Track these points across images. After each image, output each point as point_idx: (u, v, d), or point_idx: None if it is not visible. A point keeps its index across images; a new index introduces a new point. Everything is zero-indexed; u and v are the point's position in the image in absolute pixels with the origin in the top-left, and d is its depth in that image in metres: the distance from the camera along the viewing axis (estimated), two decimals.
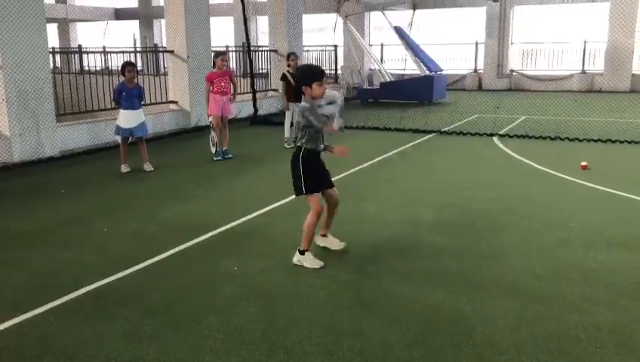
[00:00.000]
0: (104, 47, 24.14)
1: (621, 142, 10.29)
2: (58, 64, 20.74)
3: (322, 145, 4.77)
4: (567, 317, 3.84)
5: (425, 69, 18.35)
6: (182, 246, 5.24)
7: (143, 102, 8.69)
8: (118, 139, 8.64)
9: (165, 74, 14.01)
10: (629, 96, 18.73)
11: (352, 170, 8.27)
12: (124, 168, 8.49)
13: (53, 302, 4.12)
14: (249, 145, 10.90)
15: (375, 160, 9.06)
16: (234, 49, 19.92)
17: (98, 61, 19.20)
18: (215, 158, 9.29)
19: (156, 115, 11.96)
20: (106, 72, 15.04)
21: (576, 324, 3.73)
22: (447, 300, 4.10)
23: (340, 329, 3.69)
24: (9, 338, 3.66)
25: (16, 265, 4.93)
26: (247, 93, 14.51)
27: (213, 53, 9.66)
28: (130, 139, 8.59)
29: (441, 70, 19.03)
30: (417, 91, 17.71)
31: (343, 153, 4.78)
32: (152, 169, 8.52)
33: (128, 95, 8.35)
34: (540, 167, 8.48)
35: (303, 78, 4.68)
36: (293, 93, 10.77)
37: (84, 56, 20.89)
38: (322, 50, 20.31)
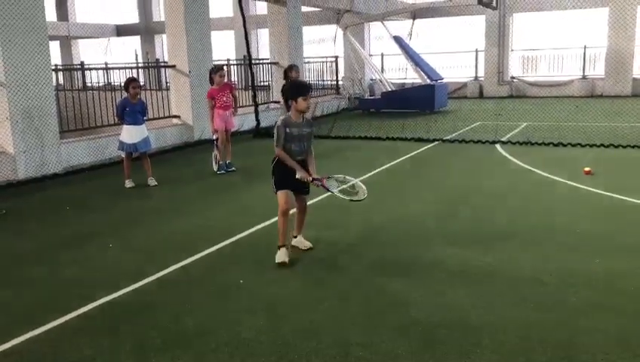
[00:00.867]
0: (106, 64, 24.29)
1: (624, 146, 10.29)
2: (61, 81, 20.87)
3: (299, 158, 5.12)
4: (576, 323, 3.83)
5: (426, 77, 18.40)
6: (188, 260, 5.25)
7: (145, 117, 8.73)
8: (122, 154, 8.67)
9: (167, 88, 14.09)
10: (630, 101, 18.75)
11: (354, 181, 8.25)
12: (129, 183, 8.52)
13: (61, 318, 4.12)
14: (252, 158, 10.92)
15: (378, 170, 9.07)
16: (235, 62, 20.01)
17: (100, 77, 19.32)
18: (218, 172, 9.30)
19: (159, 130, 12.01)
20: (109, 87, 15.14)
21: (585, 331, 3.72)
22: (454, 309, 4.09)
23: (348, 341, 3.69)
24: (20, 354, 3.66)
25: (24, 282, 4.94)
26: (249, 105, 14.58)
27: (211, 69, 9.61)
28: (133, 154, 8.63)
29: (442, 78, 19.08)
30: (419, 100, 17.75)
31: (303, 177, 5.05)
32: (156, 183, 8.55)
33: (132, 110, 8.40)
34: (543, 173, 8.48)
35: (289, 92, 5.14)
36: None
37: (87, 72, 21.03)
38: (323, 62, 20.40)
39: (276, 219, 6.44)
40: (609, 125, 12.89)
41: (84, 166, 10.08)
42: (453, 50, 23.86)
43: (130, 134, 8.45)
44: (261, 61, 18.28)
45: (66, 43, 29.78)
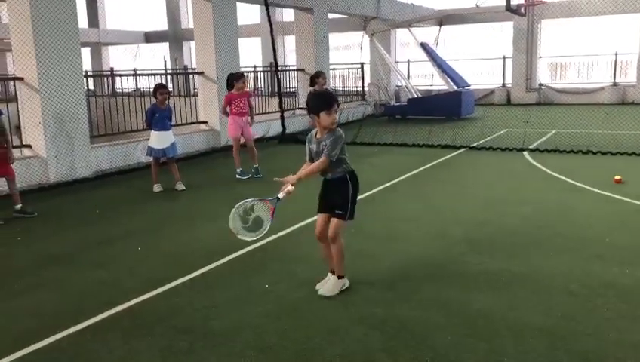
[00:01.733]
0: (135, 70, 24.70)
1: None
2: (91, 87, 21.29)
3: (329, 174, 4.55)
4: (605, 335, 3.77)
5: (452, 84, 18.30)
6: (214, 264, 5.30)
7: (172, 123, 8.86)
8: (151, 159, 8.81)
9: (195, 95, 14.27)
10: None
11: (381, 187, 8.27)
12: (157, 188, 8.65)
13: (90, 319, 4.21)
14: (278, 164, 10.98)
15: (404, 176, 9.04)
16: (262, 69, 20.18)
17: (130, 83, 19.66)
18: (237, 177, 9.37)
19: (187, 135, 12.17)
20: (137, 93, 15.38)
21: (614, 342, 3.66)
22: (480, 317, 4.06)
23: (373, 347, 3.69)
24: (49, 356, 3.75)
25: (53, 284, 5.05)
26: (275, 112, 14.67)
27: (232, 75, 9.70)
28: (161, 159, 8.76)
29: (469, 85, 18.95)
30: (445, 107, 17.66)
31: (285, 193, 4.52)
32: (184, 188, 8.66)
33: (160, 116, 8.54)
34: (572, 181, 8.36)
35: (311, 106, 4.38)
36: None
37: (116, 78, 21.41)
38: (349, 68, 20.44)
39: (301, 224, 6.51)
40: None
41: (113, 170, 10.26)
42: (481, 57, 23.70)
43: (159, 139, 8.59)
44: (287, 68, 18.41)
45: (97, 49, 30.37)
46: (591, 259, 5.17)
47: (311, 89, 10.57)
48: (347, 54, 24.19)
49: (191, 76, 18.79)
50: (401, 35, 24.76)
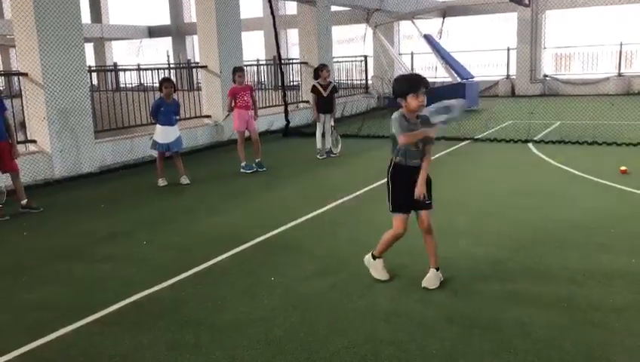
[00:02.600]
0: (138, 65, 24.69)
1: None
2: (95, 82, 21.30)
3: (418, 161, 4.33)
4: (612, 324, 3.76)
5: (456, 76, 18.24)
6: (220, 258, 5.31)
7: (177, 117, 8.85)
8: (155, 153, 8.82)
9: (199, 89, 14.26)
10: None
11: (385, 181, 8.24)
12: (162, 182, 8.66)
13: (97, 313, 4.22)
14: (282, 157, 10.99)
15: None
16: (265, 62, 20.15)
17: (133, 78, 19.66)
18: (242, 170, 9.39)
19: (191, 130, 12.17)
20: (141, 88, 15.39)
21: (621, 331, 3.65)
22: (485, 309, 4.06)
23: (379, 338, 3.69)
24: (57, 349, 3.77)
25: (60, 278, 5.07)
26: (279, 105, 14.66)
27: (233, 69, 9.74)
28: (166, 153, 8.77)
29: (473, 77, 18.88)
30: (449, 99, 17.53)
31: (429, 136, 4.32)
32: (189, 182, 8.67)
33: (166, 110, 8.53)
34: (578, 172, 8.34)
35: (397, 90, 4.35)
36: (323, 104, 10.87)
37: (120, 73, 21.41)
38: (352, 61, 20.39)
39: (306, 217, 6.51)
40: None
41: (117, 165, 10.28)
42: (485, 49, 23.59)
43: (164, 134, 8.59)
44: (291, 61, 18.36)
45: (100, 44, 30.37)
46: (597, 249, 5.16)
47: (314, 82, 10.59)
48: (350, 47, 24.12)
49: (194, 70, 18.80)
50: (404, 27, 24.68)
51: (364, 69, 20.63)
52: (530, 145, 10.79)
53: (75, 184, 9.15)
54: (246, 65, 12.86)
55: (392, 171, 4.43)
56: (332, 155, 10.52)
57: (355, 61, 20.52)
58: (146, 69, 16.88)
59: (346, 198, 7.15)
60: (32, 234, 6.47)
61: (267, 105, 14.92)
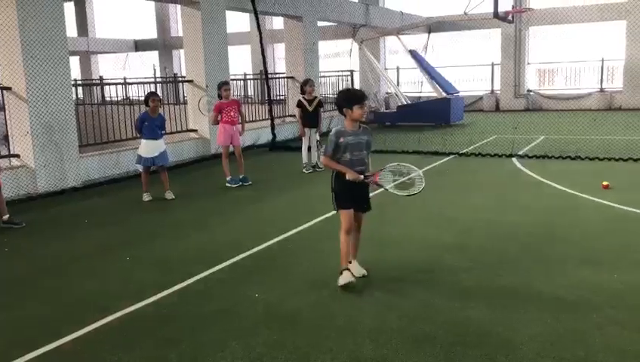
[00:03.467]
0: (124, 78, 24.62)
1: None
2: (80, 95, 21.18)
3: (360, 169, 4.88)
4: (593, 340, 3.78)
5: (441, 91, 18.40)
6: (204, 274, 5.28)
7: (163, 132, 8.82)
8: (140, 168, 8.77)
9: (185, 103, 14.24)
10: None
11: (371, 194, 8.25)
12: (146, 197, 8.61)
13: (79, 331, 4.17)
14: (268, 172, 10.98)
15: (393, 183, 9.03)
16: (252, 76, 20.18)
17: (119, 92, 19.59)
18: (227, 185, 9.36)
19: (177, 144, 12.14)
20: (127, 102, 15.33)
21: (603, 348, 3.68)
22: (470, 325, 4.06)
23: (363, 356, 3.68)
24: None
25: (42, 295, 5.00)
26: (265, 119, 14.67)
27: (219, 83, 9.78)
28: (151, 168, 8.72)
29: (458, 92, 19.06)
30: (434, 113, 17.75)
31: (354, 179, 4.84)
32: (174, 197, 8.62)
33: (151, 125, 8.50)
34: (561, 187, 8.41)
35: (344, 101, 4.87)
36: (308, 119, 10.92)
37: (106, 87, 21.33)
38: (339, 76, 20.50)
39: (292, 232, 6.51)
40: (627, 138, 12.76)
41: (102, 179, 10.20)
42: (469, 64, 23.84)
43: (148, 148, 8.55)
44: (277, 75, 18.42)
45: (86, 58, 30.27)
46: (580, 265, 5.20)
47: (301, 96, 10.64)
48: (337, 62, 24.26)
49: (180, 84, 18.79)
50: (390, 42, 24.89)
51: (350, 83, 20.73)
52: (514, 159, 10.88)
53: (59, 199, 9.06)
54: (233, 80, 12.87)
55: (335, 175, 4.94)
56: (318, 170, 10.53)
57: (342, 76, 20.63)
58: (132, 83, 16.84)
59: (332, 213, 7.13)
60: (14, 251, 6.39)
61: (254, 119, 14.94)
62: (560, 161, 10.60)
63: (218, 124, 9.49)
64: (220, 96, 9.49)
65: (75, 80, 24.02)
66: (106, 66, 32.10)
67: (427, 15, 23.92)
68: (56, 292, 5.04)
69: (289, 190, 9.14)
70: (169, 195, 8.64)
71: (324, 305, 4.52)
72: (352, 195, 4.90)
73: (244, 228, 6.94)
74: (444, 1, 22.70)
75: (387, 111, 19.63)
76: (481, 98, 23.43)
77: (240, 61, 25.99)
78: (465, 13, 18.20)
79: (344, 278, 4.78)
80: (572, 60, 22.61)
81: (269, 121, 14.29)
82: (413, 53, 19.56)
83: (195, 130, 13.03)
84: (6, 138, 9.55)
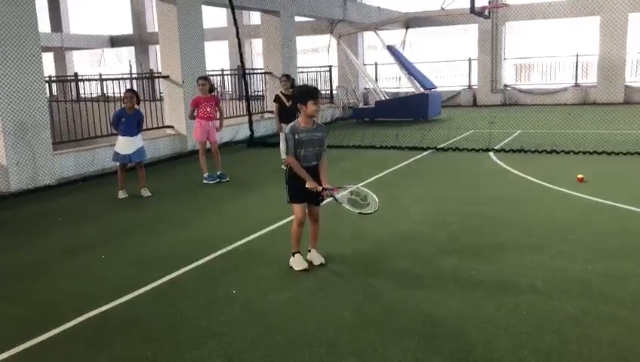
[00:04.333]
0: (100, 75, 24.27)
1: (616, 153, 10.33)
2: (55, 92, 20.83)
3: (312, 164, 5.03)
4: (569, 331, 3.82)
5: (419, 86, 18.47)
6: (180, 271, 5.22)
7: (140, 128, 8.70)
8: (117, 164, 8.65)
9: (161, 99, 14.09)
10: (622, 108, 18.87)
11: (350, 189, 8.26)
12: (122, 194, 8.50)
13: (53, 330, 4.09)
14: (246, 168, 10.93)
15: (372, 178, 9.07)
16: (229, 72, 20.05)
17: (94, 88, 19.32)
18: (204, 181, 9.28)
19: (153, 140, 12.00)
20: (102, 99, 15.12)
21: (578, 338, 3.72)
22: (447, 318, 4.08)
23: (341, 350, 3.67)
24: None
25: (15, 295, 4.90)
26: (243, 115, 14.58)
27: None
28: (128, 164, 8.61)
29: (436, 87, 19.16)
30: (412, 109, 17.82)
31: (313, 188, 4.96)
32: (150, 194, 8.52)
33: (127, 121, 8.37)
34: (536, 180, 8.51)
35: (299, 97, 5.03)
36: (286, 114, 10.90)
37: (81, 83, 21.00)
38: (317, 71, 20.47)
39: (269, 228, 6.47)
40: (601, 132, 12.96)
41: (77, 177, 10.05)
42: (447, 59, 23.98)
43: (125, 145, 8.43)
44: (255, 71, 18.33)
45: (60, 54, 29.76)
46: (555, 257, 5.26)
47: (278, 91, 10.60)
48: (315, 57, 24.22)
49: (157, 80, 18.58)
50: (368, 37, 24.91)
51: (329, 79, 20.73)
52: (491, 153, 10.98)
53: (32, 197, 8.90)
54: (210, 75, 12.75)
55: (288, 169, 5.08)
56: None
57: (320, 71, 20.61)
58: (108, 79, 16.61)
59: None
60: None
61: (231, 115, 14.84)
62: (536, 154, 10.71)
63: (194, 119, 9.41)
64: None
65: (50, 77, 23.60)
66: (82, 62, 31.62)
67: (404, 10, 24.01)
68: (30, 292, 4.95)
69: (267, 186, 9.10)
70: (145, 193, 8.54)
71: (301, 300, 4.50)
72: (305, 191, 4.99)
73: (222, 225, 6.89)
74: None
75: (365, 106, 19.65)
76: (458, 93, 23.60)
77: (218, 57, 25.80)
78: (442, 9, 18.30)
79: (298, 264, 5.07)
80: (548, 55, 22.87)
81: (246, 117, 14.21)
82: (391, 49, 19.60)
83: (171, 127, 12.90)
84: None
